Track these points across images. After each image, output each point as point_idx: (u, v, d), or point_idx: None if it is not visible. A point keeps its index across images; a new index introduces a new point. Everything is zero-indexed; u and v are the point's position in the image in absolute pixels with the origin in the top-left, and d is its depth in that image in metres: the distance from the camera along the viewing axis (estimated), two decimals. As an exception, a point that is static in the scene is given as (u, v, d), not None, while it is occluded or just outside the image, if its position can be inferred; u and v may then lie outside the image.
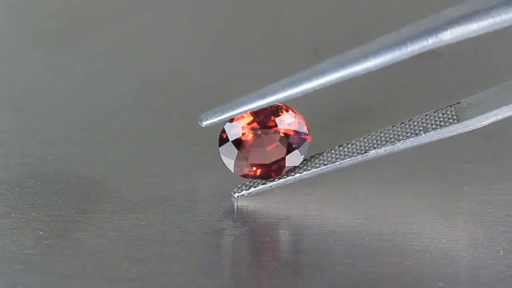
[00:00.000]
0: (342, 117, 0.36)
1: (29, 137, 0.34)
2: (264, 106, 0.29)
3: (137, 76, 0.38)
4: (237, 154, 0.30)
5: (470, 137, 0.33)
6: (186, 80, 0.38)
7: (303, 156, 0.31)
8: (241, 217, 0.30)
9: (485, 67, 0.39)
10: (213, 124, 0.30)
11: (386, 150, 0.30)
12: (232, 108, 0.30)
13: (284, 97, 0.29)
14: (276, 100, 0.29)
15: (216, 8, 0.44)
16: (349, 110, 0.36)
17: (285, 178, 0.31)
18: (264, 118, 0.30)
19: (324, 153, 0.31)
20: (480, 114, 0.30)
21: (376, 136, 0.31)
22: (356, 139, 0.31)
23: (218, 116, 0.30)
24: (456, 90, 0.37)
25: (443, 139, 0.30)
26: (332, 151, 0.31)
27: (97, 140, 0.34)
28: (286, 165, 0.30)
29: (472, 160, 0.33)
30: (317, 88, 0.29)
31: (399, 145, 0.30)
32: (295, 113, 0.31)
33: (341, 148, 0.31)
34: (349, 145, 0.31)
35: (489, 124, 0.30)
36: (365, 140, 0.31)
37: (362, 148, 0.31)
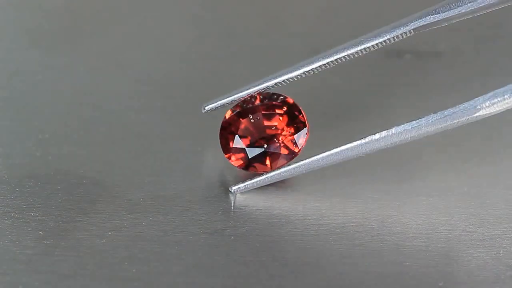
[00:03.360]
0: (342, 117, 0.36)
1: (29, 137, 0.34)
2: (263, 89, 0.31)
3: (137, 76, 0.38)
4: (235, 138, 0.31)
5: (470, 137, 0.33)
6: (186, 80, 0.38)
7: (300, 143, 0.31)
8: (241, 217, 0.30)
9: (485, 67, 0.39)
10: (214, 108, 0.31)
11: (381, 135, 0.30)
12: (233, 93, 0.31)
13: (282, 80, 0.31)
14: (274, 83, 0.30)
15: (216, 8, 0.44)
16: (349, 110, 0.36)
17: (281, 169, 0.31)
18: (263, 107, 0.31)
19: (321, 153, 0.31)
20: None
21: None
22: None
23: (219, 100, 0.31)
24: (456, 90, 0.37)
25: (442, 131, 0.30)
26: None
27: (97, 140, 0.34)
28: (282, 152, 0.31)
29: (471, 160, 0.33)
30: (313, 69, 0.30)
31: (394, 131, 0.30)
32: (293, 103, 0.31)
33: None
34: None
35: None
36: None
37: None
